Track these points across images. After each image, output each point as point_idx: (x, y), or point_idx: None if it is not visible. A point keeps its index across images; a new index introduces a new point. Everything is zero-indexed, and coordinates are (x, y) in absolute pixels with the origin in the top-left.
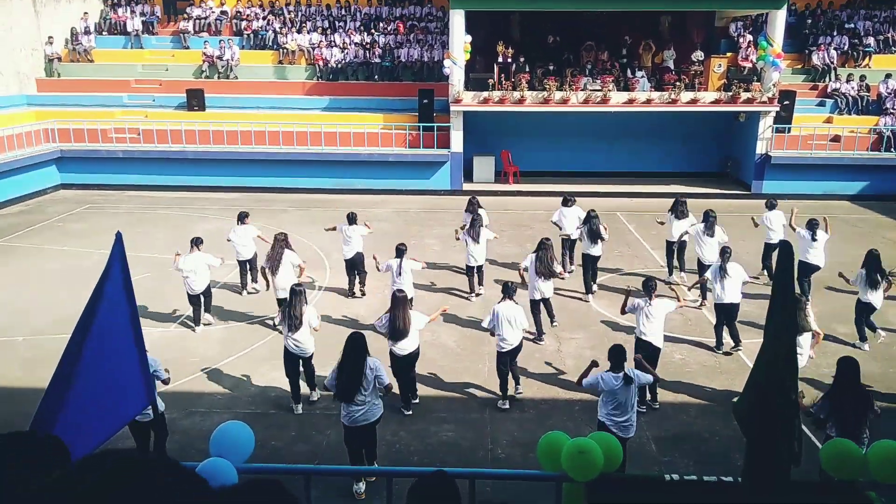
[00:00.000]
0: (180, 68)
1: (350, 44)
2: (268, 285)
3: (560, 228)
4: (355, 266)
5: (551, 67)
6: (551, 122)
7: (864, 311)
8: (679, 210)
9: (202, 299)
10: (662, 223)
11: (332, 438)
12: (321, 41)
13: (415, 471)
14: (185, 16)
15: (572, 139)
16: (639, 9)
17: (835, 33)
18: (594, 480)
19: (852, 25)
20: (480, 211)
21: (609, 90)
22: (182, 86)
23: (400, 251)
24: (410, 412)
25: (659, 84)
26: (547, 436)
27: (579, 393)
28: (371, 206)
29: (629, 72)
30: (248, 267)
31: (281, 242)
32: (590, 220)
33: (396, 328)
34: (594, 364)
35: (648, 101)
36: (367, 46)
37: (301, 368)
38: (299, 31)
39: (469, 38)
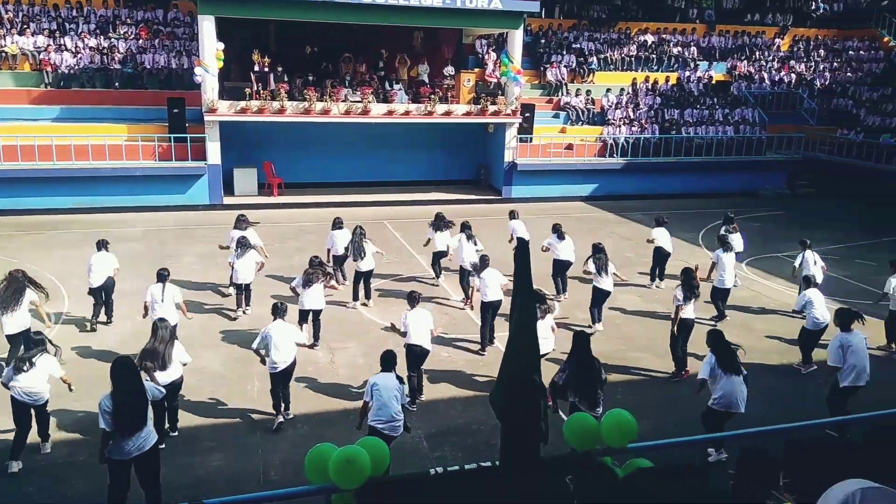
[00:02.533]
0: None
1: (84, 48)
2: None
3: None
4: (105, 293)
5: (311, 78)
6: (314, 132)
7: (598, 297)
8: (441, 224)
9: None
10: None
11: (80, 488)
12: (48, 44)
13: None
14: None
15: (337, 150)
16: (389, 23)
17: (564, 52)
18: (362, 486)
19: (579, 45)
20: (250, 230)
21: (369, 102)
22: None
23: (162, 276)
24: (164, 446)
25: (416, 96)
26: (313, 450)
27: (353, 402)
28: (119, 224)
29: (387, 84)
30: None
31: (17, 281)
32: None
33: (159, 360)
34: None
35: (407, 113)
36: (105, 51)
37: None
38: (21, 33)
39: (222, 46)
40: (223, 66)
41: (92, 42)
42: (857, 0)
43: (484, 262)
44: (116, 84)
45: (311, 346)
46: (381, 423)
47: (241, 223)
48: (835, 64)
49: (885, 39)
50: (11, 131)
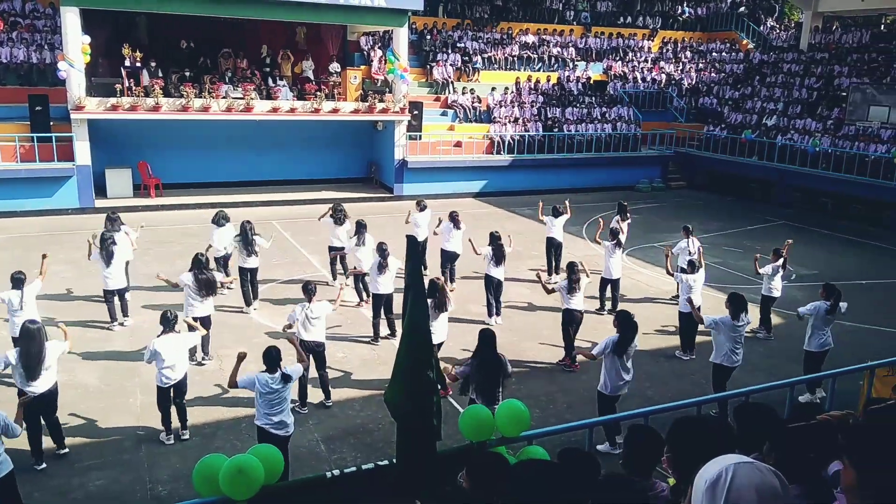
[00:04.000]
0: None
1: None
2: None
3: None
4: None
5: (188, 73)
6: (194, 130)
7: (490, 286)
8: (338, 216)
9: None
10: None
11: None
12: None
13: None
14: None
15: (220, 148)
16: (269, 18)
17: (449, 51)
18: (256, 496)
19: (463, 45)
20: (123, 227)
21: (252, 98)
22: None
23: (18, 280)
24: (43, 465)
25: (301, 93)
26: (201, 461)
27: (245, 409)
28: None
29: (270, 80)
30: None
31: None
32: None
33: (31, 364)
34: (242, 357)
35: (292, 110)
36: None
37: None
38: None
39: (88, 39)
40: (90, 60)
41: None
42: (719, 5)
43: (384, 252)
44: None
45: (201, 363)
46: (268, 424)
47: (112, 222)
48: (700, 65)
49: (744, 42)
50: None
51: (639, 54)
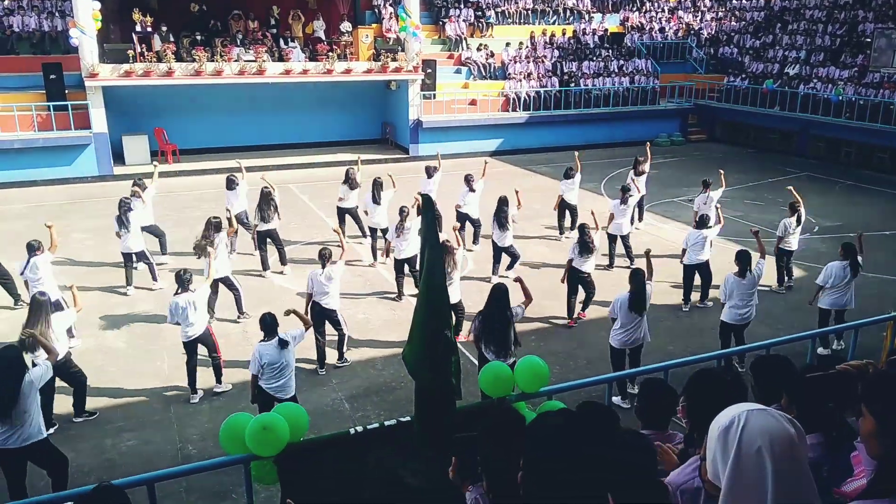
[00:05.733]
0: None
1: None
2: None
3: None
4: None
5: (199, 37)
6: (208, 95)
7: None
8: (351, 180)
9: None
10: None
11: None
12: None
13: (75, 492)
14: None
15: (234, 112)
16: None
17: (462, 6)
18: (282, 453)
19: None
20: (138, 191)
21: (264, 61)
22: None
23: (31, 248)
24: (53, 430)
25: (313, 55)
26: (228, 420)
27: None
28: None
29: (282, 42)
30: None
31: None
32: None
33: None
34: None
35: (305, 72)
36: None
37: None
38: None
39: (98, 5)
40: (101, 27)
41: None
42: None
43: (403, 214)
44: None
45: (237, 321)
46: (271, 388)
47: (137, 187)
48: (719, 13)
49: None
50: None
51: (656, 4)
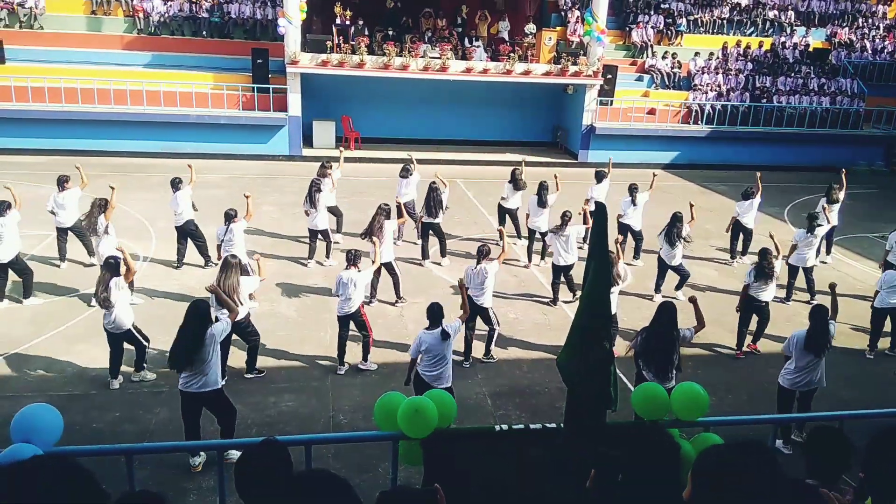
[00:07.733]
0: None
1: None
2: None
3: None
4: (186, 234)
5: (391, 32)
6: (392, 87)
7: (664, 266)
8: (517, 181)
9: (9, 270)
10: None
11: (162, 416)
12: None
13: (243, 442)
14: None
15: (413, 106)
16: None
17: (652, 13)
18: (430, 436)
19: (667, 6)
20: (330, 173)
21: (447, 58)
22: None
23: (228, 216)
24: (223, 382)
25: (495, 54)
26: (383, 397)
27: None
28: (202, 171)
29: (466, 41)
30: (67, 236)
31: (98, 208)
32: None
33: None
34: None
35: (485, 71)
36: (193, 0)
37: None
38: None
39: None
40: (306, 17)
41: None
42: None
43: (565, 219)
44: (204, 33)
45: (395, 303)
46: (427, 376)
47: (324, 169)
48: None
49: None
50: (106, 75)
51: (871, 20)
